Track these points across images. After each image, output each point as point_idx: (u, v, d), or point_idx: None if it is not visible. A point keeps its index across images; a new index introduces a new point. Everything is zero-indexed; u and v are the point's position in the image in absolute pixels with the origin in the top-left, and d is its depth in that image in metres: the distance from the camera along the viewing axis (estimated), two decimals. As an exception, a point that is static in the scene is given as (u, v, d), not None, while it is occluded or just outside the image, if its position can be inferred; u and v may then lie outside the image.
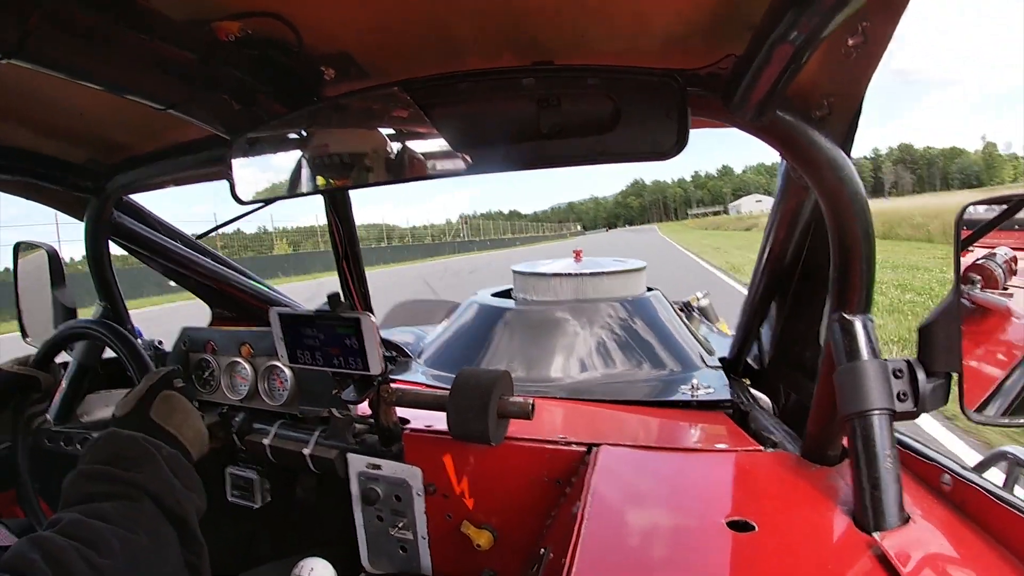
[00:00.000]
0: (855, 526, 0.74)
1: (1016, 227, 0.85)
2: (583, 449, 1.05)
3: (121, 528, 0.73)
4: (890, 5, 0.65)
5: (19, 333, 1.66)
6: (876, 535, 0.70)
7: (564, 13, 0.77)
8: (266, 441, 1.33)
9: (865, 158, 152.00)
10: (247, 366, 1.38)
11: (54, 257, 1.61)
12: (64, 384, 1.51)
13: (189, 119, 0.94)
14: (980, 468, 1.16)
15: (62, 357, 1.39)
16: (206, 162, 1.24)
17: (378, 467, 1.20)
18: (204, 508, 0.86)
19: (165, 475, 0.81)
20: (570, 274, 1.67)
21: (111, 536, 0.71)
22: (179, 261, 1.68)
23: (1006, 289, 0.84)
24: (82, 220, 1.52)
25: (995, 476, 1.08)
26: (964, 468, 0.82)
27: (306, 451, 1.27)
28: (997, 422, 0.83)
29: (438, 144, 0.81)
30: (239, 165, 0.97)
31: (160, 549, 0.76)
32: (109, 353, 1.34)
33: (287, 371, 1.32)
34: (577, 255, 1.85)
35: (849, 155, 0.79)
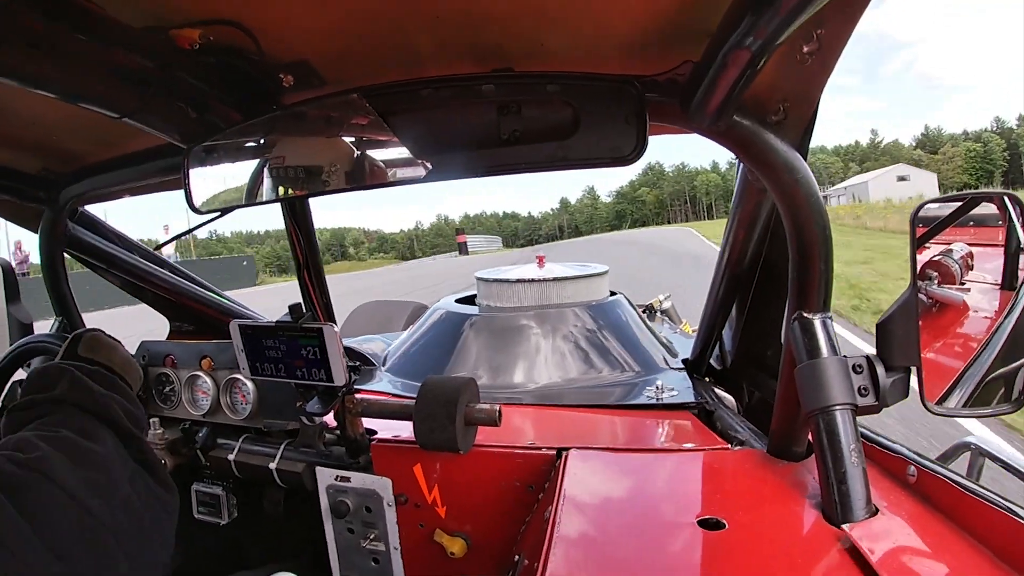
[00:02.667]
0: (824, 519, 0.75)
1: (971, 224, 0.88)
2: (552, 453, 1.05)
3: (43, 432, 0.73)
4: (845, 13, 0.67)
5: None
6: (845, 527, 0.72)
7: (523, 20, 0.77)
8: (231, 456, 1.30)
9: (989, 131, 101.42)
10: (208, 380, 1.34)
11: (8, 272, 1.56)
12: None
13: (145, 128, 0.92)
14: (944, 459, 1.20)
15: (19, 374, 1.34)
16: (162, 171, 1.21)
17: (347, 479, 1.18)
18: (142, 419, 0.87)
19: (84, 384, 0.82)
20: (533, 279, 1.68)
21: (34, 440, 0.71)
22: (136, 274, 1.63)
23: (963, 284, 0.87)
24: (36, 232, 1.47)
25: (959, 467, 1.11)
26: (929, 460, 0.84)
27: (272, 465, 1.24)
28: (959, 413, 0.85)
29: (398, 151, 0.81)
30: (195, 174, 0.95)
31: (92, 441, 0.76)
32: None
33: (249, 384, 1.29)
34: (540, 260, 1.86)
35: (805, 158, 0.81)
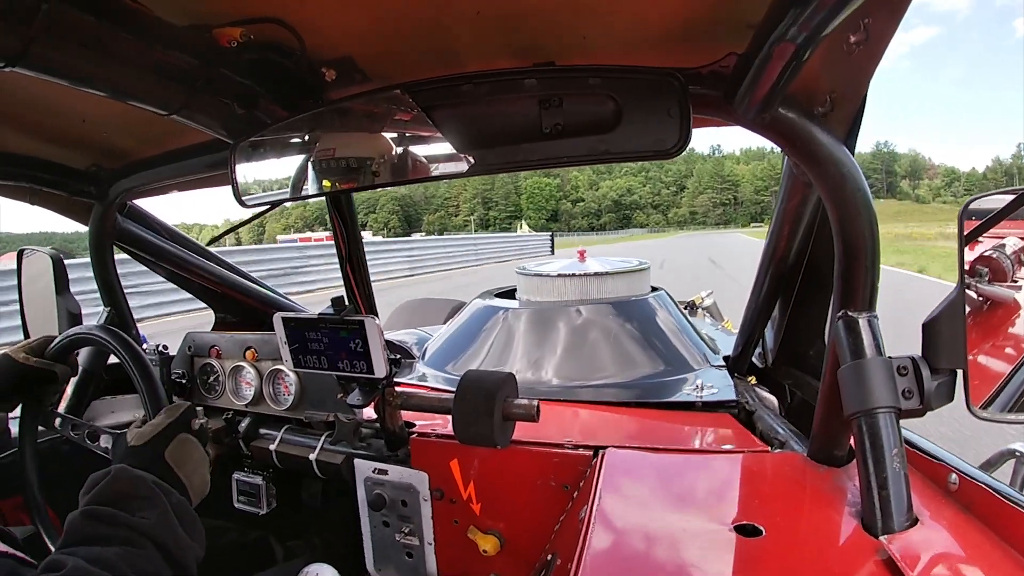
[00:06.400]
0: (863, 529, 0.73)
1: (1024, 218, 0.84)
2: (589, 453, 1.05)
3: (123, 566, 0.71)
4: (892, 3, 0.64)
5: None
6: (883, 539, 0.69)
7: (563, 15, 0.77)
8: (272, 447, 1.33)
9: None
10: (252, 371, 1.38)
11: (58, 263, 1.62)
12: (69, 391, 1.51)
13: (191, 124, 0.95)
14: (987, 467, 1.15)
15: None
16: (209, 166, 1.24)
17: (384, 472, 1.20)
18: (202, 557, 0.83)
19: (172, 523, 0.79)
20: (574, 275, 1.66)
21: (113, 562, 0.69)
22: (184, 266, 1.69)
23: (1015, 281, 0.83)
24: (87, 225, 1.53)
25: (1004, 473, 1.07)
26: (971, 467, 0.81)
27: (312, 456, 1.26)
28: (1003, 419, 0.81)
29: (441, 146, 0.82)
30: (241, 169, 0.97)
31: None
32: (114, 359, 1.34)
33: (292, 375, 1.31)
34: (581, 255, 1.85)
35: (853, 152, 0.78)
